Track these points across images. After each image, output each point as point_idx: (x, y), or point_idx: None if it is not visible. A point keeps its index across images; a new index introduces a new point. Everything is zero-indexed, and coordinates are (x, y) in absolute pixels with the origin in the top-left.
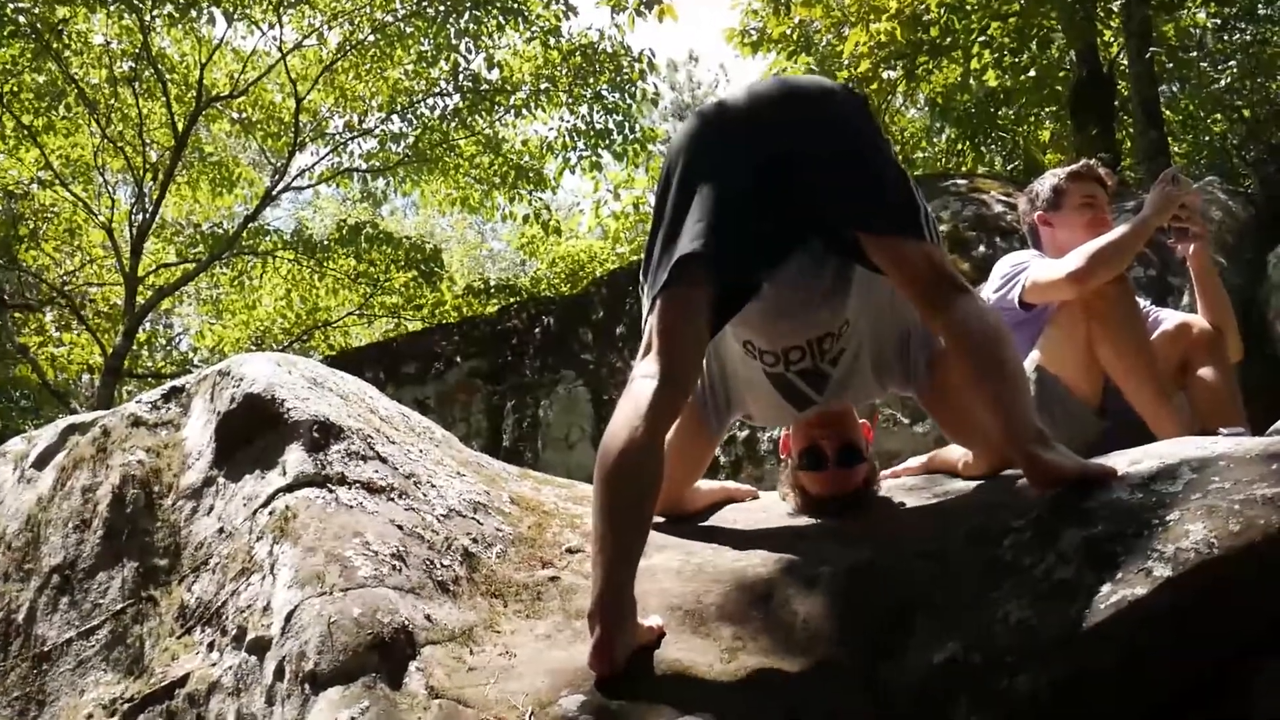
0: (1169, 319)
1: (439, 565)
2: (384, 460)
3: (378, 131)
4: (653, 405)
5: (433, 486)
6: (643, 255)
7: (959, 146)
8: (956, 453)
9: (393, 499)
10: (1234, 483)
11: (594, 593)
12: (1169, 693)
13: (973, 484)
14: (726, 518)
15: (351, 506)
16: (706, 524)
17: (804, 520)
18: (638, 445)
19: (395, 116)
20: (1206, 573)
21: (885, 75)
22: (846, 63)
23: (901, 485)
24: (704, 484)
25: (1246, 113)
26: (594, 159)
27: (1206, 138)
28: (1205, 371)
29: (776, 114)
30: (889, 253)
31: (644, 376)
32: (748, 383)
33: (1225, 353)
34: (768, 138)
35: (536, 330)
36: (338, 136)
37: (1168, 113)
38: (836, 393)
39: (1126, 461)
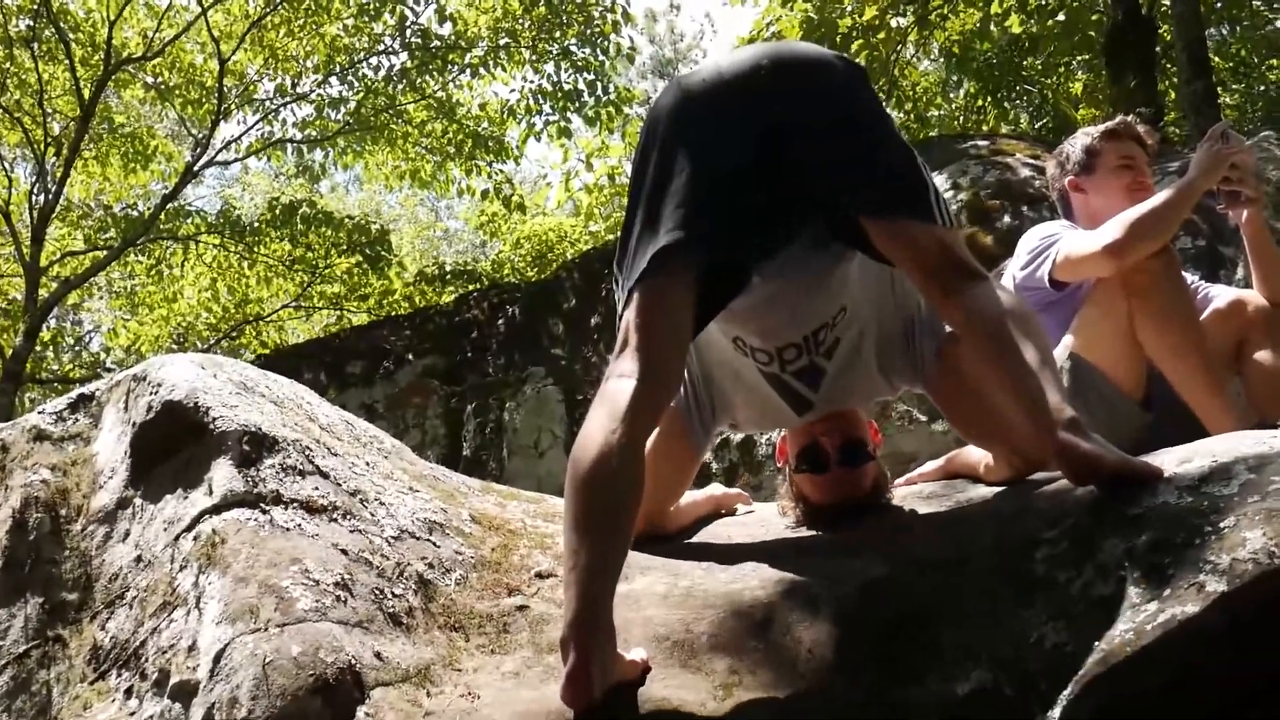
0: (1221, 295)
1: (390, 595)
2: (325, 475)
3: (314, 96)
4: (632, 404)
5: (382, 504)
6: (618, 238)
7: (979, 103)
8: (977, 454)
9: (336, 520)
10: None
11: (566, 617)
12: (1219, 706)
13: (998, 489)
14: (718, 533)
15: (288, 529)
16: (695, 541)
17: (806, 534)
18: (615, 447)
19: (334, 79)
20: (1266, 585)
21: (894, 23)
22: (850, 9)
23: (917, 493)
24: (689, 495)
25: None
26: (562, 124)
27: (1261, 87)
28: (1263, 355)
29: (767, 83)
30: (894, 237)
31: (620, 375)
32: (736, 382)
33: None
34: (757, 110)
35: (500, 321)
36: (268, 102)
37: (1216, 59)
38: (833, 388)
39: (1175, 460)
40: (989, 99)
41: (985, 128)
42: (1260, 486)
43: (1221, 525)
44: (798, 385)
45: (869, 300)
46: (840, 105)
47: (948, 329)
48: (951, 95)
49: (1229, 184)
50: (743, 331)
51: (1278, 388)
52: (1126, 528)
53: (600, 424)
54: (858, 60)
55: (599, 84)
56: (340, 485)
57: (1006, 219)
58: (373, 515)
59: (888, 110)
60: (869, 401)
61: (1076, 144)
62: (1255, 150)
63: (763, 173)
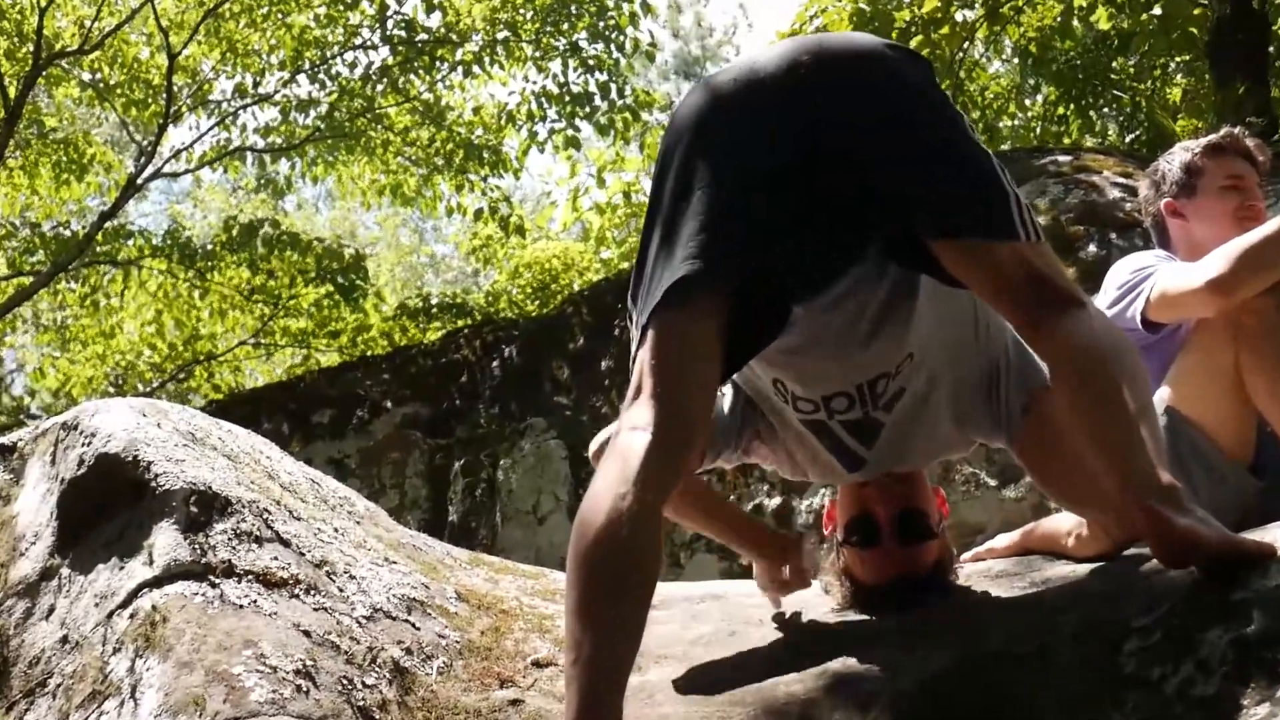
0: None
1: (360, 685)
2: (286, 543)
3: (278, 97)
4: (646, 462)
5: (352, 578)
6: (634, 266)
7: (1059, 111)
8: (1065, 523)
9: (298, 595)
10: None
11: (568, 717)
12: None
13: (1086, 568)
14: (748, 616)
15: (241, 606)
16: (720, 625)
17: (854, 618)
18: (625, 515)
19: (302, 77)
20: None
21: (960, 16)
22: (908, 0)
23: (985, 571)
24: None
25: None
26: (570, 132)
27: None
28: None
29: (809, 79)
30: (969, 260)
31: (633, 428)
32: (779, 418)
33: None
34: (797, 111)
35: (494, 364)
36: (225, 104)
37: None
38: (892, 446)
39: None
40: (1071, 106)
41: (1067, 140)
42: None
43: None
44: (848, 439)
45: (944, 342)
46: (897, 102)
47: (1044, 370)
48: (1027, 102)
49: None
50: (781, 374)
51: None
52: (1232, 616)
53: (609, 487)
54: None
55: (613, 86)
56: (304, 555)
57: (1092, 248)
58: (341, 591)
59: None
60: (935, 459)
61: (1174, 161)
62: None
63: (805, 185)
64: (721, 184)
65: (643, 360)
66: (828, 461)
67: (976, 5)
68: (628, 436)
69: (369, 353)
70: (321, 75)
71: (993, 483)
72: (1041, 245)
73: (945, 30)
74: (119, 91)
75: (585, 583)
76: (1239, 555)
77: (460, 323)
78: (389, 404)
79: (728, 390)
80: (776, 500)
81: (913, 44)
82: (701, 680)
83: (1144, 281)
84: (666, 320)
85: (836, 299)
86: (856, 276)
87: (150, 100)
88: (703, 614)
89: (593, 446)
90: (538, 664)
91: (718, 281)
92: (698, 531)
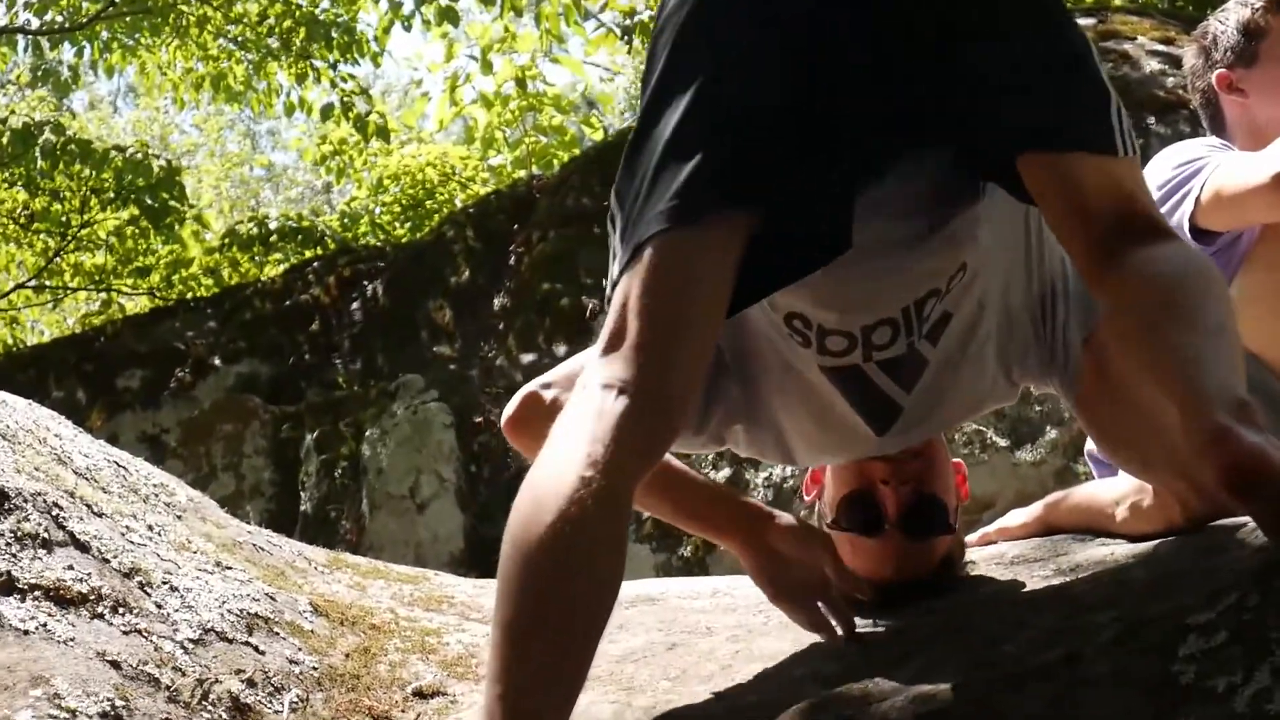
0: None
1: None
2: (84, 547)
3: None
4: (620, 439)
5: (174, 590)
6: (626, 152)
7: None
8: (1111, 491)
9: (102, 615)
10: None
11: None
12: None
13: (1128, 550)
14: (692, 624)
15: (27, 632)
16: (659, 637)
17: (829, 623)
18: (593, 506)
19: None
20: None
21: None
22: None
23: (998, 557)
24: None
25: None
26: (445, 3)
27: None
28: None
29: None
30: (1053, 174)
31: (608, 386)
32: (769, 371)
33: None
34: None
35: (354, 306)
36: None
37: None
38: (933, 391)
39: None
40: None
41: None
42: None
43: None
44: (885, 383)
45: (999, 255)
46: None
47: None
48: None
49: None
50: (809, 305)
51: None
52: None
53: (570, 462)
54: None
55: None
56: (108, 562)
57: None
58: (160, 607)
59: None
60: (974, 415)
61: (1229, 20)
62: None
63: (870, 73)
64: (766, 61)
65: (631, 292)
66: (846, 426)
67: None
68: (600, 396)
69: (189, 295)
70: None
71: (1003, 443)
72: (1135, 162)
73: None
74: None
75: (527, 590)
76: None
77: (308, 253)
78: (218, 361)
79: None
80: (726, 472)
81: None
82: (635, 708)
83: (1193, 178)
84: (673, 243)
85: (886, 204)
86: (912, 180)
87: None
88: (633, 622)
89: (507, 411)
90: (420, 694)
91: (753, 194)
92: (663, 519)
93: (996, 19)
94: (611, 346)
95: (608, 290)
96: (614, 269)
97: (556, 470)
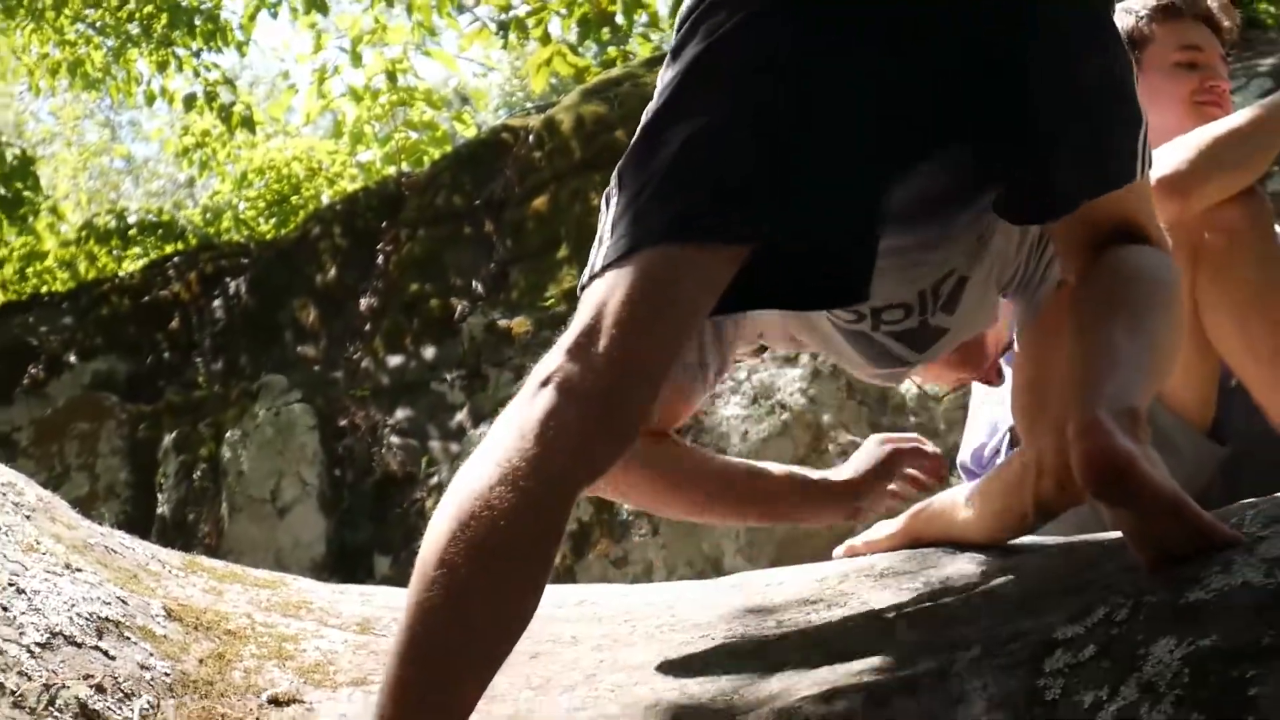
0: None
1: None
2: None
3: None
4: (570, 444)
5: (20, 593)
6: (639, 134)
7: None
8: (963, 493)
9: None
10: None
11: None
12: None
13: (997, 563)
14: (558, 634)
15: None
16: (526, 647)
17: (694, 640)
18: (540, 499)
19: None
20: None
21: None
22: None
23: (867, 570)
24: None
25: None
26: None
27: None
28: None
29: None
30: (1080, 213)
31: (565, 386)
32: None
33: None
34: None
35: (215, 303)
36: None
37: None
38: (943, 347)
39: (1261, 519)
40: None
41: None
42: None
43: None
44: (894, 347)
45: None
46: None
47: None
48: None
49: None
50: None
51: None
52: (1185, 623)
53: (508, 462)
54: None
55: None
56: None
57: None
58: (5, 610)
59: None
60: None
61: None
62: None
63: (930, 112)
64: (815, 92)
65: (613, 295)
66: (854, 360)
67: None
68: (553, 398)
69: (43, 289)
70: None
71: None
72: (1145, 178)
73: None
74: None
75: (451, 581)
76: (1194, 527)
77: (169, 248)
78: (73, 358)
79: None
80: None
81: None
82: (495, 717)
83: None
84: (670, 258)
85: (906, 213)
86: (933, 192)
87: None
88: None
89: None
90: (275, 701)
91: (770, 229)
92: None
93: (1076, 81)
94: (580, 348)
95: (584, 277)
96: (597, 257)
97: (504, 461)
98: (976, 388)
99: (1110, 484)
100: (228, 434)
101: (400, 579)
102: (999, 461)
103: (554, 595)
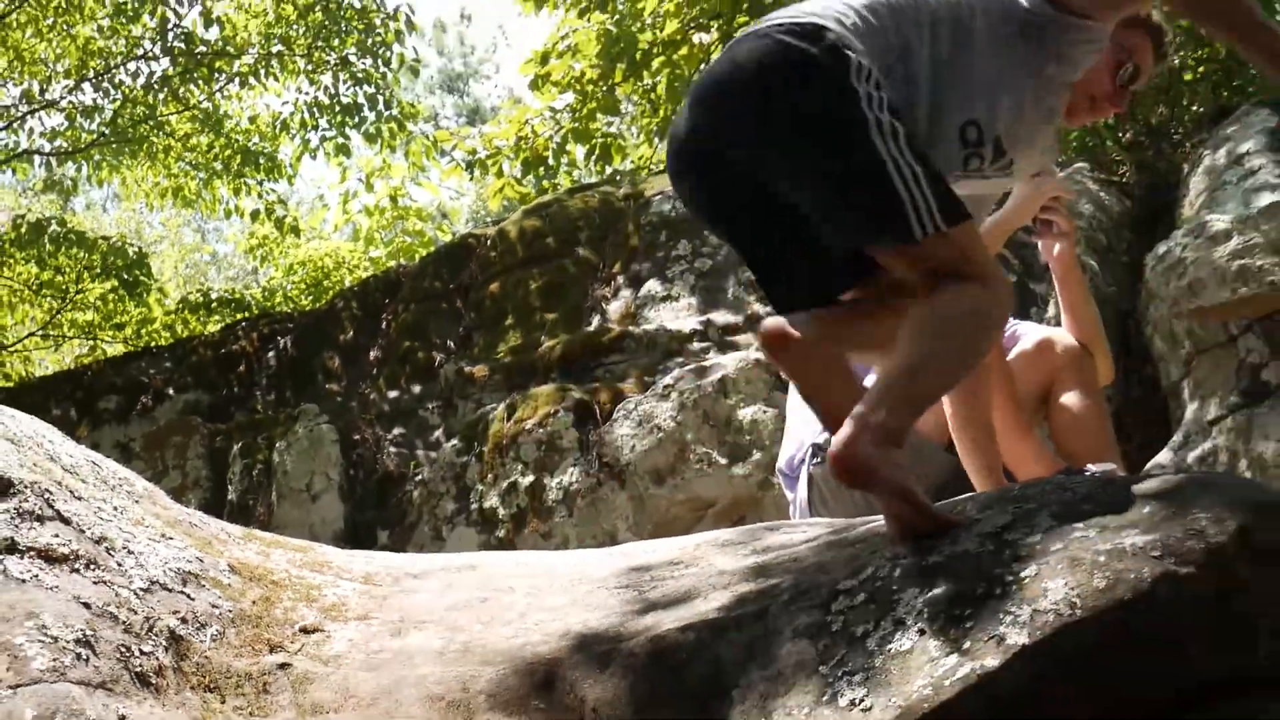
0: (1029, 335)
1: (138, 653)
2: (67, 521)
3: (65, 104)
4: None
5: (130, 553)
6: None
7: None
8: None
9: (78, 570)
10: (1100, 530)
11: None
12: None
13: (801, 537)
14: (499, 585)
15: (24, 580)
16: (475, 594)
17: (594, 590)
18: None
19: (87, 85)
20: (1068, 637)
21: (697, 39)
22: (649, 22)
23: (714, 540)
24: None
25: None
26: (340, 140)
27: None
28: (1070, 398)
29: (707, 130)
30: (885, 261)
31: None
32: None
33: (1094, 375)
34: (715, 170)
35: (270, 354)
36: (12, 109)
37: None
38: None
39: (977, 507)
40: None
41: None
42: (1064, 534)
43: (1023, 574)
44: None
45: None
46: (765, 132)
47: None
48: None
49: (1046, 213)
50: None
51: (1084, 432)
52: (925, 578)
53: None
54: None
55: (380, 98)
56: (84, 532)
57: None
58: (120, 565)
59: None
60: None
61: None
62: (1068, 183)
63: (759, 219)
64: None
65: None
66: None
67: (713, 29)
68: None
69: (153, 344)
70: (105, 84)
71: (723, 461)
72: (948, 233)
73: (684, 51)
74: None
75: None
76: (911, 507)
77: (239, 316)
78: (171, 391)
79: None
80: (530, 479)
81: (655, 64)
82: (456, 643)
83: None
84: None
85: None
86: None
87: None
88: (458, 582)
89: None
90: (305, 630)
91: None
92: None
93: (804, 170)
94: (996, 266)
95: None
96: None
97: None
98: (790, 409)
99: (851, 475)
100: (277, 445)
101: (395, 547)
102: (804, 469)
103: (500, 558)
